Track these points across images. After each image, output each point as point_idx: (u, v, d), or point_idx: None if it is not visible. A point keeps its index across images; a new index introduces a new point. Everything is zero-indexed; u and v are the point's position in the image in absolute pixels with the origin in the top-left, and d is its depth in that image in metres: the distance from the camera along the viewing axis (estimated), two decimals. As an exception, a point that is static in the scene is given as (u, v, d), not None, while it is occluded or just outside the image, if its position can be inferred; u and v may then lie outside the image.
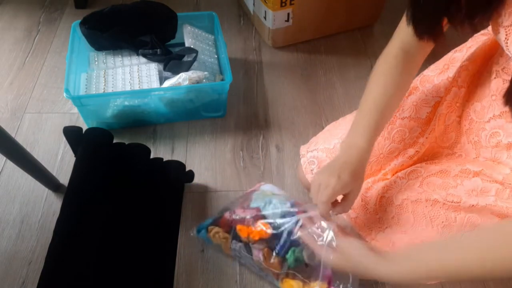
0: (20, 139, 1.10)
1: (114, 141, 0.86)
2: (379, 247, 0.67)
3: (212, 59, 1.19)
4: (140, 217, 0.79)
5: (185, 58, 1.11)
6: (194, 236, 0.84)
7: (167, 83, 1.06)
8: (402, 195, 0.68)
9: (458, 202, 0.63)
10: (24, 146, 0.90)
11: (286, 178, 1.05)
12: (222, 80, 1.13)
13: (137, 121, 1.12)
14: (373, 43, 1.40)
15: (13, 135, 1.08)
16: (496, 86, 0.64)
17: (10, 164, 1.02)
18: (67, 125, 0.94)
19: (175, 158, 1.08)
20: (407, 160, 0.75)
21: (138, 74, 1.12)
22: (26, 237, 0.93)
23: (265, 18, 1.29)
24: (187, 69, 1.09)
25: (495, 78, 0.64)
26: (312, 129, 1.15)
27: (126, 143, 0.87)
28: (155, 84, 1.09)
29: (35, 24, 1.42)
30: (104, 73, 1.12)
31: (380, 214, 0.68)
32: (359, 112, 0.67)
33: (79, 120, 1.14)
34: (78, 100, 1.01)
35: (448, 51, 0.79)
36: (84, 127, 1.00)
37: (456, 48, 0.78)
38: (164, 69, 1.12)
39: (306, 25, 1.32)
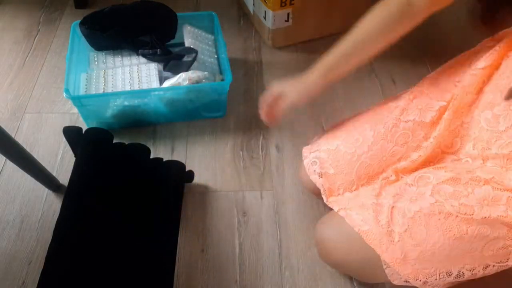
0: (20, 139, 1.10)
1: (114, 141, 0.86)
2: (389, 260, 0.67)
3: (212, 59, 1.19)
4: (140, 217, 0.79)
5: (185, 58, 1.11)
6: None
7: (167, 83, 1.06)
8: (414, 206, 0.66)
9: (471, 214, 0.62)
10: (24, 146, 0.90)
11: (286, 178, 1.05)
12: (222, 80, 1.13)
13: (137, 121, 1.12)
14: (373, 43, 1.40)
15: (13, 135, 1.08)
16: None
17: (10, 164, 1.02)
18: (67, 125, 0.94)
19: (175, 158, 1.08)
20: (410, 164, 0.74)
21: (138, 74, 1.12)
22: (26, 237, 0.93)
23: (265, 18, 1.29)
24: (187, 69, 1.09)
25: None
26: (312, 129, 1.15)
27: (126, 143, 0.87)
28: (155, 84, 1.09)
29: (35, 24, 1.42)
30: (104, 73, 1.12)
31: (392, 227, 0.67)
32: (336, 45, 0.72)
33: (79, 120, 1.14)
34: (78, 100, 1.01)
35: (455, 55, 0.79)
36: (84, 127, 1.00)
37: (464, 54, 0.77)
38: (164, 69, 1.12)
39: (306, 25, 1.32)
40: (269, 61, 1.33)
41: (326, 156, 0.80)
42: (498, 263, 0.64)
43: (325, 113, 1.19)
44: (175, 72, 1.09)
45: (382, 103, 0.83)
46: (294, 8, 1.25)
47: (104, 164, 0.81)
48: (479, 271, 0.65)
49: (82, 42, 1.17)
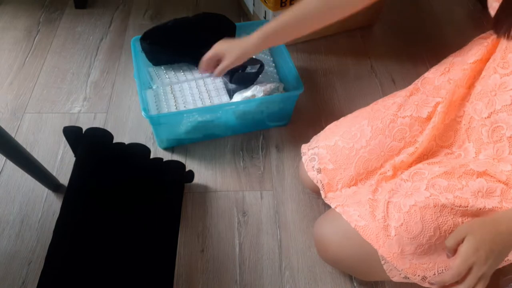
0: (20, 139, 1.10)
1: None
2: (387, 255, 0.67)
3: (271, 68, 1.17)
4: (140, 217, 0.79)
5: (248, 69, 1.08)
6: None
7: (239, 96, 1.03)
8: (410, 200, 0.67)
9: (465, 207, 0.63)
10: (24, 146, 0.90)
11: (286, 178, 1.05)
12: (284, 89, 1.10)
13: (207, 135, 1.10)
14: (373, 43, 1.40)
15: (13, 135, 1.08)
16: (494, 81, 0.65)
17: (10, 164, 1.02)
18: (67, 125, 0.94)
19: (175, 158, 1.08)
20: (407, 158, 0.75)
21: (206, 88, 1.09)
22: (26, 237, 0.93)
23: (265, 18, 1.29)
24: (253, 81, 1.07)
25: (493, 74, 0.66)
26: (312, 129, 1.15)
27: (126, 143, 0.87)
28: (225, 97, 1.06)
29: (35, 24, 1.42)
30: (171, 88, 1.08)
31: (388, 222, 0.68)
32: (280, 16, 0.82)
33: (79, 120, 1.14)
34: (156, 119, 0.98)
35: (449, 54, 0.80)
36: (153, 145, 1.00)
37: (456, 52, 0.79)
38: (230, 81, 1.09)
39: (306, 25, 1.32)
40: (269, 61, 1.33)
41: (325, 152, 0.81)
42: None
43: (325, 113, 1.19)
44: (241, 83, 1.07)
45: (379, 101, 0.84)
46: (294, 8, 1.25)
47: (104, 164, 0.81)
48: None
49: (140, 58, 1.11)
